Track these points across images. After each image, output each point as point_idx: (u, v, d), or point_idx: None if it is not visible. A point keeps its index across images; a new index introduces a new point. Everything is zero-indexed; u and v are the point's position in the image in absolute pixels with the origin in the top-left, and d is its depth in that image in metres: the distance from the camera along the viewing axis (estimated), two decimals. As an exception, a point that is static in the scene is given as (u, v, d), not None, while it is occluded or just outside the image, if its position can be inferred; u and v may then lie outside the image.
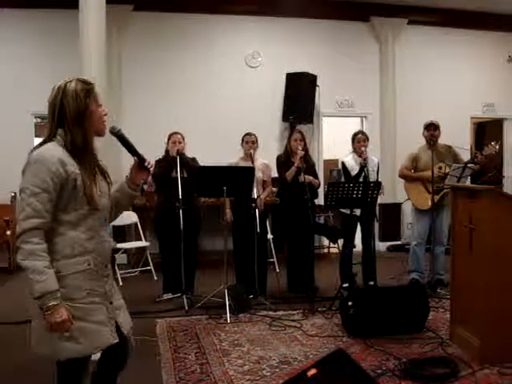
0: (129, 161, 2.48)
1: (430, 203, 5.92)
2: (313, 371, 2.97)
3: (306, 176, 5.82)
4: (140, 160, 2.39)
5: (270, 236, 7.20)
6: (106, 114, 2.31)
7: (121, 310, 2.41)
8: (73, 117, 2.16)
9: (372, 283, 5.97)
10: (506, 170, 10.01)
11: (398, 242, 9.14)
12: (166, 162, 5.73)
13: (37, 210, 2.07)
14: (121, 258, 7.58)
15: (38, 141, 2.34)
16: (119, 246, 6.88)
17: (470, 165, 5.79)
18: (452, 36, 9.51)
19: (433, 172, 5.80)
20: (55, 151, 2.14)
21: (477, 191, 3.99)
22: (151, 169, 2.41)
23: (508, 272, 3.76)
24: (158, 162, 5.84)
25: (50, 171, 2.09)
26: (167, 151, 5.84)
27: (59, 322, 2.06)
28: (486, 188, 3.95)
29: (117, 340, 2.31)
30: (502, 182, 9.96)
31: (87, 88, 2.21)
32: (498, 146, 5.78)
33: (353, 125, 9.10)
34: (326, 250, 8.78)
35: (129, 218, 7.15)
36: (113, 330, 2.30)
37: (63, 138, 2.18)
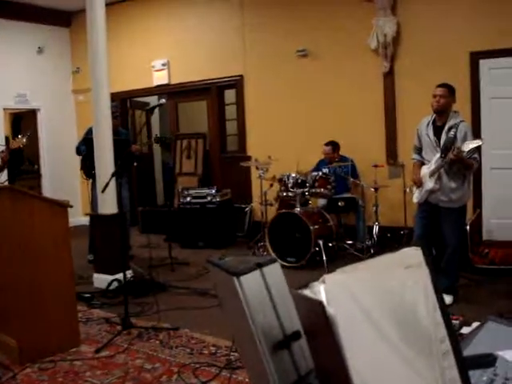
0: None
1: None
2: None
3: None
4: None
5: None
6: None
7: None
8: None
9: None
10: (42, 161, 10.05)
11: None
12: None
13: None
14: None
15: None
16: None
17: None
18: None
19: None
20: None
21: (-3, 189, 3.86)
22: None
23: (34, 270, 3.79)
24: None
25: None
26: None
27: None
28: (3, 186, 3.87)
29: None
30: (41, 173, 10.00)
31: None
32: (25, 139, 5.68)
33: None
34: None
35: None
36: None
37: None
